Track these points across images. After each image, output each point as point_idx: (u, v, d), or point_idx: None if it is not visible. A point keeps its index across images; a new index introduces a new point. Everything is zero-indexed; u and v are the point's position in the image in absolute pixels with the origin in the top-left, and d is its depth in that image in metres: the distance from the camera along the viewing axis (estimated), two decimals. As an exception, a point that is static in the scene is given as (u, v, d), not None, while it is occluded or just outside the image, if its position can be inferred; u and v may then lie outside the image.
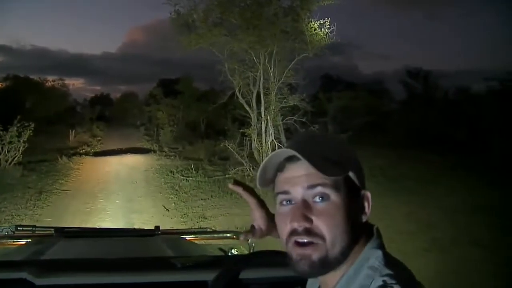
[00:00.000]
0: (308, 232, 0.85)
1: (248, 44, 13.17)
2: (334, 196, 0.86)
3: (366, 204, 0.93)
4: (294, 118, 14.05)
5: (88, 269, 1.57)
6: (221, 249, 2.47)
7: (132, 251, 2.19)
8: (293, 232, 0.87)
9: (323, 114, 22.78)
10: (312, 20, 13.35)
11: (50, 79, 35.31)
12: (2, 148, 13.12)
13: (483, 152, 16.19)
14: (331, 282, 0.89)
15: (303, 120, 14.15)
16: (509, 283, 5.45)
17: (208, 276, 1.34)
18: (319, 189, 0.86)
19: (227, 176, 13.15)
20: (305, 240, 0.85)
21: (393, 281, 0.79)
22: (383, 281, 0.80)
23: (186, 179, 12.90)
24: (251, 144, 14.21)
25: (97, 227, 7.09)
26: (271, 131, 13.71)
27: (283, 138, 14.16)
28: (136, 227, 6.99)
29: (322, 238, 0.85)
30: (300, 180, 0.87)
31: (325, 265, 0.86)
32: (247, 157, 13.70)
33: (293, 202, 0.88)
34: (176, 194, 11.22)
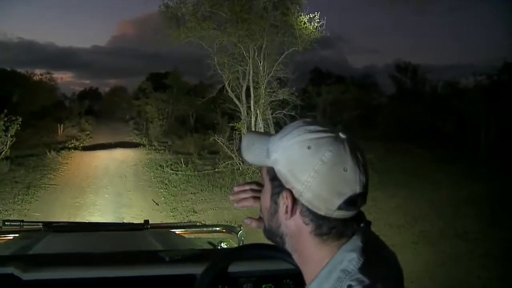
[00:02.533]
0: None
1: (237, 38, 13.15)
2: (267, 182, 0.92)
3: (281, 203, 0.87)
4: (283, 112, 14.08)
5: (77, 264, 1.56)
6: (210, 243, 2.46)
7: (121, 245, 2.18)
8: None
9: (312, 108, 22.84)
10: (302, 14, 13.37)
11: (38, 73, 34.95)
12: (-11, 142, 12.99)
13: (470, 146, 16.37)
14: (308, 279, 0.89)
15: (293, 114, 14.18)
16: (495, 274, 5.52)
17: (197, 269, 1.34)
18: (263, 171, 0.93)
19: (216, 170, 13.16)
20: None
21: (359, 287, 0.78)
22: (349, 285, 0.79)
23: (176, 173, 12.88)
24: (240, 138, 14.19)
25: (86, 221, 7.06)
26: (261, 125, 13.72)
27: (272, 132, 14.08)
28: (125, 221, 6.98)
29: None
30: None
31: (270, 238, 0.97)
32: (237, 151, 13.70)
33: None
34: (166, 188, 11.21)
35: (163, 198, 10.23)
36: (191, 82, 30.05)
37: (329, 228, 0.85)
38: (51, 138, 20.85)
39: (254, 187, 1.09)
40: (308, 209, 0.84)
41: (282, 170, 0.86)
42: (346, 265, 0.82)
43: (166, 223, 3.99)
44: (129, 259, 1.65)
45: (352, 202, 0.82)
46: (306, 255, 0.89)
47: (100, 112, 43.43)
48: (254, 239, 1.40)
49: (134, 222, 3.37)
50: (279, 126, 14.97)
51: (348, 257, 0.82)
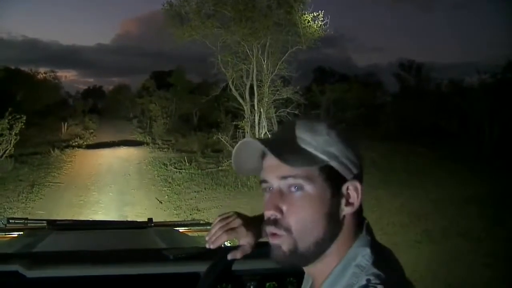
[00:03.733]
0: (275, 222, 0.86)
1: (241, 36, 13.15)
2: (308, 187, 0.84)
3: (353, 195, 0.88)
4: (287, 110, 14.09)
5: (81, 261, 1.57)
6: (213, 241, 2.46)
7: (125, 243, 2.19)
8: (266, 221, 0.88)
9: (316, 106, 22.85)
10: (306, 13, 13.35)
11: (42, 71, 34.96)
12: (-7, 140, 13.04)
13: (474, 145, 16.31)
14: (320, 277, 0.88)
15: (296, 112, 14.19)
16: (499, 274, 5.51)
17: (201, 267, 1.34)
18: (290, 180, 0.85)
19: (220, 168, 13.16)
20: (272, 231, 0.86)
21: (378, 281, 0.78)
22: (367, 279, 0.79)
23: (179, 172, 12.89)
24: (244, 136, 14.19)
25: (90, 219, 7.08)
26: (264, 123, 13.72)
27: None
28: (129, 219, 6.99)
29: (288, 230, 0.84)
30: (274, 169, 0.87)
31: (297, 257, 0.85)
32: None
33: (272, 190, 0.88)
34: (169, 187, 11.22)
35: (166, 197, 10.24)
36: (195, 80, 30.15)
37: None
38: (55, 137, 20.89)
39: (225, 222, 1.13)
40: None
41: (340, 162, 0.87)
42: (360, 260, 0.83)
43: (169, 221, 3.99)
44: (133, 257, 1.66)
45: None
46: (339, 251, 0.86)
47: (103, 110, 43.47)
48: (258, 237, 1.41)
49: (138, 220, 3.38)
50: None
51: (362, 252, 0.84)
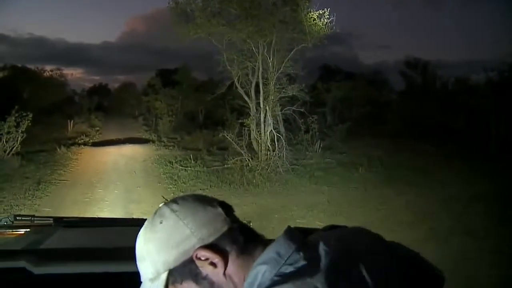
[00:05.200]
0: None
1: (247, 34, 13.12)
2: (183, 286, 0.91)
3: (207, 270, 0.89)
4: (293, 108, 14.08)
5: (87, 258, 1.57)
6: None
7: (131, 241, 2.19)
8: None
9: (322, 104, 22.80)
10: (311, 10, 13.31)
11: (48, 69, 35.09)
12: (0, 138, 13.11)
13: (480, 143, 16.24)
14: None
15: (302, 110, 14.18)
16: (505, 272, 5.48)
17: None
18: None
19: (225, 166, 13.17)
20: None
21: None
22: None
23: (185, 169, 12.91)
24: (249, 134, 14.20)
25: (96, 217, 7.10)
26: (270, 121, 13.70)
27: (281, 129, 14.17)
28: (134, 217, 7.00)
29: None
30: None
31: None
32: (246, 147, 13.71)
33: None
34: (175, 184, 11.24)
35: (172, 194, 10.24)
36: (200, 78, 30.17)
37: (244, 238, 0.92)
38: (61, 134, 20.96)
39: None
40: (219, 239, 0.90)
41: (172, 257, 0.90)
42: (260, 279, 0.82)
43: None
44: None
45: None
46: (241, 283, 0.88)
47: (109, 108, 43.54)
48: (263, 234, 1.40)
49: (144, 218, 3.38)
50: (288, 123, 14.99)
51: (261, 270, 0.83)
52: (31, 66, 33.53)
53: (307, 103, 14.65)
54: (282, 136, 13.70)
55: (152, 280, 0.92)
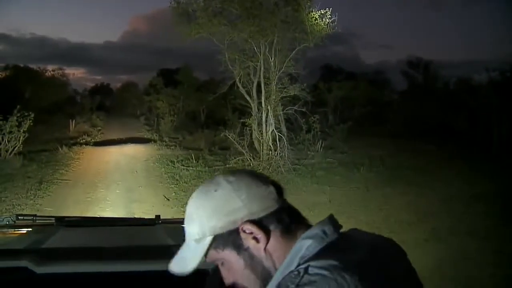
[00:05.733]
0: None
1: (248, 34, 13.13)
2: (223, 253, 0.99)
3: (249, 242, 0.95)
4: (294, 108, 14.08)
5: (89, 258, 1.58)
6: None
7: (133, 240, 2.19)
8: None
9: (323, 104, 22.80)
10: (313, 10, 13.31)
11: (50, 69, 35.10)
12: (2, 138, 13.12)
13: (482, 143, 16.21)
14: None
15: (303, 110, 14.18)
16: (508, 272, 5.48)
17: (209, 264, 1.34)
18: (212, 257, 1.01)
19: (227, 165, 13.18)
20: None
21: (316, 268, 0.83)
22: (305, 267, 0.84)
23: (187, 169, 12.91)
24: (251, 134, 14.21)
25: (98, 216, 7.11)
26: (272, 121, 13.70)
27: (283, 128, 14.17)
28: (136, 216, 7.01)
29: None
30: None
31: None
32: (247, 147, 13.72)
33: None
34: (177, 184, 11.24)
35: (174, 194, 10.25)
36: (202, 78, 30.24)
37: (288, 220, 0.96)
38: (63, 134, 20.99)
39: None
40: (265, 217, 0.94)
41: (220, 224, 0.95)
42: (304, 252, 0.89)
43: (177, 218, 4.00)
44: (141, 253, 1.66)
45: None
46: (284, 258, 0.93)
47: (111, 108, 43.60)
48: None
49: (146, 217, 3.39)
50: (289, 122, 14.98)
51: (305, 244, 0.90)
52: (33, 66, 33.61)
53: (308, 103, 14.65)
54: (283, 136, 13.70)
55: (197, 241, 0.98)
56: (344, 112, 23.71)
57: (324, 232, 0.92)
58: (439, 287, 5.15)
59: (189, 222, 1.00)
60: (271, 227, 0.94)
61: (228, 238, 0.95)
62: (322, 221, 0.96)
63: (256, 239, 0.93)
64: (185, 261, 1.01)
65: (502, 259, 5.86)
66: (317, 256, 0.87)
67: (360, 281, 0.80)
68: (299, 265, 0.87)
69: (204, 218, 0.96)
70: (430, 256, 5.92)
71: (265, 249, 0.93)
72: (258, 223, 0.93)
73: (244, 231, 0.93)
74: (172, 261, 1.05)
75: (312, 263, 0.84)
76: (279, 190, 1.00)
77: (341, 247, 0.90)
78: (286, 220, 0.96)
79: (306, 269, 0.83)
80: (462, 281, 5.32)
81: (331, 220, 0.97)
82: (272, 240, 0.94)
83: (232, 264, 0.97)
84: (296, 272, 0.84)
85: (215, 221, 0.95)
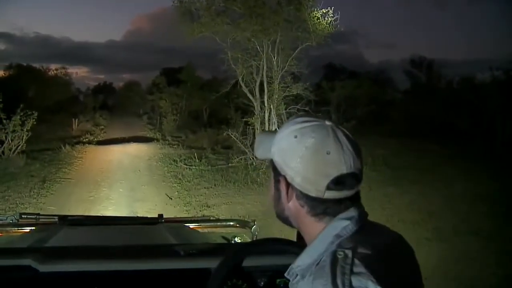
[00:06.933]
0: None
1: (251, 33, 13.11)
2: (271, 173, 1.05)
3: (281, 189, 1.00)
4: (297, 107, 14.04)
5: (92, 257, 1.58)
6: (224, 237, 2.47)
7: (136, 239, 2.20)
8: None
9: (326, 103, 22.75)
10: (315, 9, 13.29)
11: (53, 68, 35.18)
12: (5, 137, 13.17)
13: (485, 142, 16.17)
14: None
15: (306, 109, 14.14)
16: (509, 272, 5.47)
17: (211, 263, 1.35)
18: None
19: (230, 165, 13.17)
20: None
21: (349, 249, 0.87)
22: (338, 245, 0.90)
23: (189, 168, 12.92)
24: (254, 133, 14.18)
25: (101, 215, 7.12)
26: (274, 120, 13.69)
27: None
28: (139, 215, 7.02)
29: None
30: None
31: (279, 219, 1.06)
32: (250, 146, 13.70)
33: None
34: (179, 183, 11.25)
35: (176, 193, 10.27)
36: (205, 77, 30.22)
37: (323, 209, 0.96)
38: (66, 133, 21.06)
39: None
40: (301, 192, 0.96)
41: (277, 160, 1.00)
42: (340, 231, 0.93)
43: (180, 217, 4.01)
44: (143, 252, 1.67)
45: (339, 181, 0.93)
46: (307, 232, 1.00)
47: (114, 107, 43.73)
48: (268, 233, 1.41)
49: (148, 216, 3.39)
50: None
51: (343, 224, 0.94)
52: (36, 65, 33.76)
53: (311, 102, 14.61)
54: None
55: (264, 149, 1.05)
56: (347, 111, 23.63)
57: (360, 216, 0.96)
58: (442, 287, 5.15)
59: (270, 140, 1.04)
60: (306, 203, 0.97)
61: (276, 172, 1.01)
62: (357, 204, 0.98)
63: (287, 195, 0.99)
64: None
65: (505, 259, 5.84)
66: (352, 238, 0.92)
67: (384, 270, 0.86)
68: (337, 245, 0.91)
69: (281, 146, 0.99)
70: (433, 255, 5.91)
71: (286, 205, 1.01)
72: (298, 189, 0.97)
73: (285, 180, 0.99)
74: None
75: (345, 245, 0.90)
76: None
77: (365, 231, 0.94)
78: (322, 207, 0.97)
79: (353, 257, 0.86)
80: (465, 281, 5.31)
81: (362, 207, 1.00)
82: (298, 212, 0.99)
83: (270, 180, 1.06)
84: (342, 254, 0.87)
85: (283, 156, 0.98)
